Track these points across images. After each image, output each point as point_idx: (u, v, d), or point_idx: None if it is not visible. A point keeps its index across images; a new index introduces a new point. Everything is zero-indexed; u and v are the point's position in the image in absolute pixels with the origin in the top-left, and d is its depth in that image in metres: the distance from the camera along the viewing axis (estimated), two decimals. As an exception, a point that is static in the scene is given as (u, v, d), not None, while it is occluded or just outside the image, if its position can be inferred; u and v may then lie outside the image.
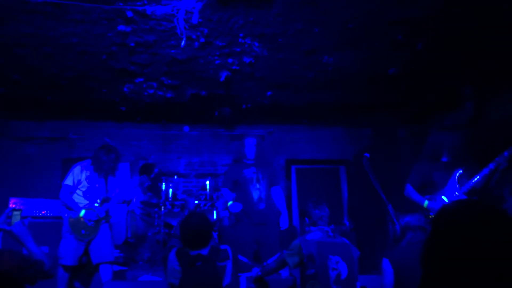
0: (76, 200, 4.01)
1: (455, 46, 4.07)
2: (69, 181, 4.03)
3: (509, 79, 4.57)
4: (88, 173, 4.09)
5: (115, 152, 4.17)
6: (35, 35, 3.72)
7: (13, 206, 4.61)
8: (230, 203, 4.48)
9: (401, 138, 6.61)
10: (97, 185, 4.10)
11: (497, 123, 4.74)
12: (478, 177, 3.75)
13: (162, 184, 5.47)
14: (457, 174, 3.91)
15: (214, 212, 5.34)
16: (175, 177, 6.03)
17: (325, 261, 2.94)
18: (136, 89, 5.10)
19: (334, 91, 5.34)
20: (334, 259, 2.97)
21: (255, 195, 4.47)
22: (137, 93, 5.23)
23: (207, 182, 5.61)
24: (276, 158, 6.62)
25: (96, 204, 4.02)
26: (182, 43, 3.79)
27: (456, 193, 3.85)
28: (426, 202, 3.89)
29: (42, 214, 4.85)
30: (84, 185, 4.05)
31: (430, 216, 3.69)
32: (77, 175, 4.06)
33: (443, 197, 3.87)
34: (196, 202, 5.37)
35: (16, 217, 2.19)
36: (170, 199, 5.46)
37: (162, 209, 5.31)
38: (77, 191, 4.04)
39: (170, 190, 5.52)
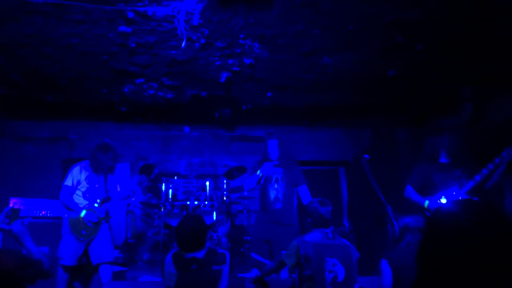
0: (76, 200, 4.01)
1: (455, 48, 4.08)
2: (68, 182, 4.03)
3: (508, 81, 4.58)
4: (87, 173, 4.09)
5: (113, 150, 4.14)
6: (36, 36, 3.73)
7: (13, 206, 4.62)
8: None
9: (401, 140, 6.61)
10: (96, 185, 4.10)
11: (496, 124, 4.76)
12: (477, 177, 3.77)
13: (162, 185, 5.47)
14: (457, 175, 3.92)
15: (214, 213, 5.34)
16: (175, 177, 6.02)
17: (322, 263, 2.92)
18: (137, 89, 5.10)
19: (334, 93, 5.34)
20: (331, 262, 2.94)
21: (272, 194, 4.52)
22: (137, 93, 5.24)
23: (207, 183, 5.61)
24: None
25: (96, 205, 4.02)
26: (183, 44, 3.80)
27: (456, 193, 3.86)
28: (426, 202, 3.91)
29: (42, 214, 4.85)
30: (84, 185, 4.05)
31: (429, 217, 3.69)
32: (77, 176, 4.06)
33: (443, 198, 3.89)
34: (196, 202, 5.36)
35: (15, 215, 2.20)
36: (170, 200, 5.45)
37: (162, 209, 5.30)
38: (77, 191, 4.04)
39: (170, 190, 5.51)
